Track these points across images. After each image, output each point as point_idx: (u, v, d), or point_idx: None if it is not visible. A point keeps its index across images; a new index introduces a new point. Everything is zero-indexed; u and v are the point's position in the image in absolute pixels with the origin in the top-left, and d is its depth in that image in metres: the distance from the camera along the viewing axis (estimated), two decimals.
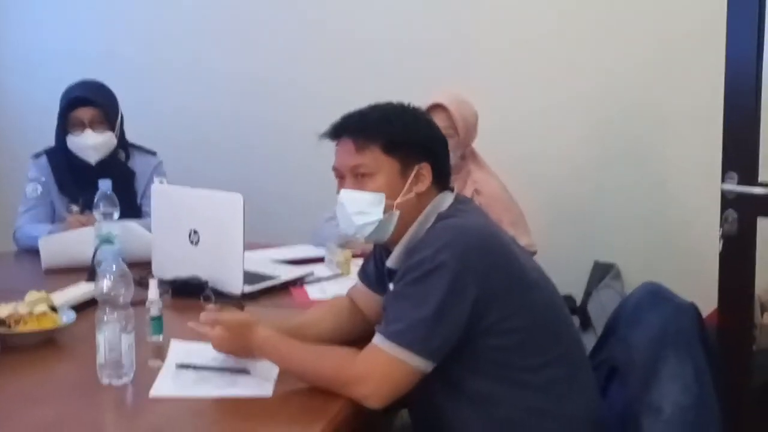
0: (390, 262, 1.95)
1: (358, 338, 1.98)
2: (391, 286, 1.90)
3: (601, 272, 3.77)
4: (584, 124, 3.75)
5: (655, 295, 2.00)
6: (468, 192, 3.10)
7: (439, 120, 2.94)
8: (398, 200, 1.90)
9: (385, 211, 1.89)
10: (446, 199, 1.95)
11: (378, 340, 1.76)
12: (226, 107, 4.29)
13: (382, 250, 2.07)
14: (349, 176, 1.92)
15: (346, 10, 4.05)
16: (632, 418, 1.87)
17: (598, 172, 3.76)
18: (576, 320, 3.64)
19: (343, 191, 1.94)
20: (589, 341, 2.19)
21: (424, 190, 1.92)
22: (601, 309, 3.53)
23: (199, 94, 4.32)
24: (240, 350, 1.86)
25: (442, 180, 1.97)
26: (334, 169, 1.97)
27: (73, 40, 4.48)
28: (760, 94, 2.41)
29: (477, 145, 3.26)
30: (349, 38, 4.04)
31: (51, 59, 4.50)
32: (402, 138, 1.91)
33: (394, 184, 1.90)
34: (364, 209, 1.90)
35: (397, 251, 1.93)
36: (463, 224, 1.83)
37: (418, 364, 1.73)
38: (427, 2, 3.93)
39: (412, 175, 1.91)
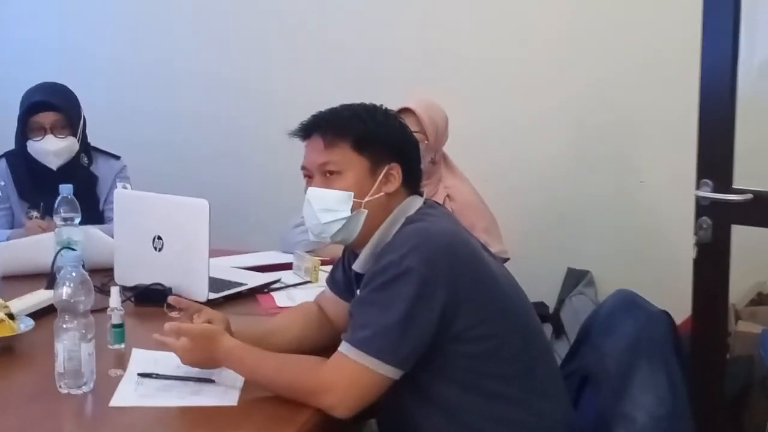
0: (357, 266, 1.95)
1: (326, 346, 1.98)
2: (358, 292, 1.89)
3: (575, 279, 3.79)
4: (559, 132, 3.77)
5: (628, 303, 2.01)
6: (440, 198, 3.11)
7: (408, 124, 2.94)
8: (366, 199, 1.90)
9: (352, 210, 1.90)
10: (415, 203, 1.95)
11: (344, 348, 1.75)
12: (192, 109, 4.28)
13: (350, 255, 2.07)
14: (318, 174, 1.93)
15: (319, 13, 4.04)
16: (605, 428, 1.87)
17: (572, 180, 3.78)
18: (549, 328, 3.66)
19: (310, 189, 1.94)
20: (563, 349, 2.21)
21: (394, 190, 1.93)
22: (575, 316, 3.55)
23: (165, 95, 4.30)
24: (205, 361, 1.86)
25: (412, 183, 1.97)
26: (303, 168, 1.97)
27: (36, 38, 4.44)
28: (735, 101, 2.42)
29: (449, 150, 3.26)
30: (322, 41, 4.03)
31: (11, 58, 4.46)
32: (373, 136, 1.91)
33: (363, 182, 1.91)
34: (330, 206, 1.90)
35: (364, 254, 1.93)
36: (431, 228, 1.83)
37: (386, 371, 1.73)
38: (405, 6, 3.93)
39: (382, 174, 1.92)
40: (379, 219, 1.92)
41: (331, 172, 1.91)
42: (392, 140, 1.94)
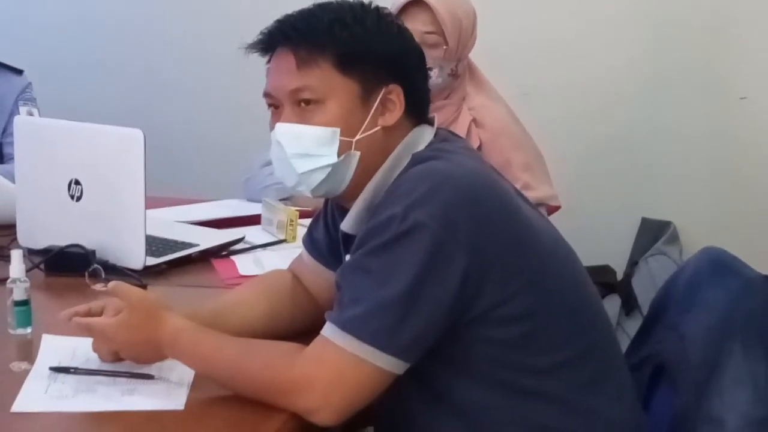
0: (346, 226, 1.97)
1: (303, 329, 2.01)
2: (347, 258, 1.91)
3: (652, 234, 3.82)
4: (629, 38, 3.80)
5: (718, 266, 2.04)
6: (463, 124, 3.11)
7: (418, 23, 2.95)
8: (358, 136, 1.91)
9: (339, 152, 1.91)
10: (423, 135, 1.96)
11: (328, 330, 1.77)
12: (125, 12, 4.29)
13: (335, 209, 2.09)
14: (289, 104, 1.93)
15: None
16: None
17: (645, 100, 3.81)
18: (616, 301, 3.71)
19: (278, 125, 1.94)
20: (635, 329, 2.24)
21: (394, 122, 1.93)
22: (652, 285, 3.58)
23: None
24: (144, 348, 1.87)
25: (417, 109, 1.98)
26: (266, 95, 1.97)
27: None
28: None
29: (478, 60, 3.26)
30: None
31: None
32: (363, 48, 1.91)
33: (352, 113, 1.91)
34: (309, 150, 1.91)
35: (355, 209, 1.94)
36: (446, 169, 1.84)
37: (385, 364, 1.75)
38: None
39: (377, 101, 1.92)
40: (375, 162, 1.93)
41: (308, 101, 1.90)
42: (390, 52, 1.94)
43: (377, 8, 1.98)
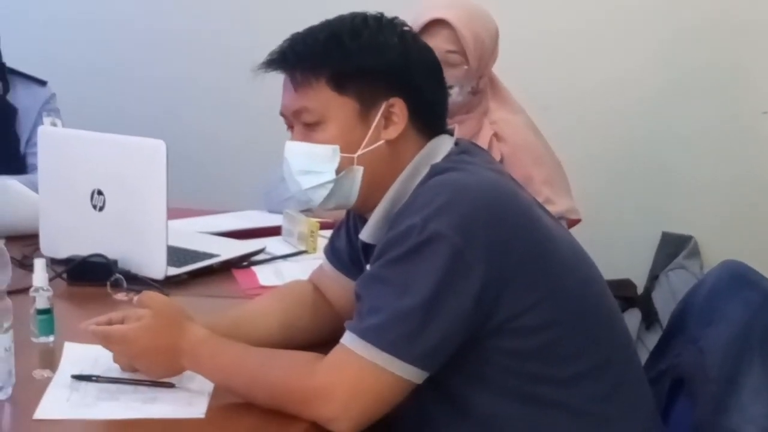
0: (365, 235, 1.99)
1: (323, 339, 2.02)
2: (368, 268, 1.93)
3: (673, 248, 3.82)
4: (647, 41, 3.79)
5: (737, 279, 2.04)
6: (485, 137, 3.10)
7: (439, 41, 2.94)
8: (360, 152, 1.93)
9: (340, 169, 1.93)
10: (442, 146, 1.97)
11: (348, 339, 1.78)
12: (145, 21, 4.31)
13: (356, 219, 2.10)
14: (296, 124, 1.97)
15: None
16: None
17: (666, 110, 3.80)
18: (636, 315, 3.71)
19: (287, 144, 1.98)
20: (655, 343, 2.24)
21: (397, 135, 1.94)
22: (672, 299, 3.58)
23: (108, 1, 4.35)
24: (161, 356, 1.88)
25: (428, 120, 1.99)
26: (282, 115, 2.00)
27: None
28: None
29: (499, 72, 3.25)
30: None
31: None
32: (355, 65, 1.92)
33: (353, 130, 1.93)
34: (312, 167, 1.95)
35: (373, 219, 1.96)
36: (465, 180, 1.85)
37: (403, 372, 1.76)
38: None
39: (379, 115, 1.94)
40: (384, 175, 1.95)
41: (308, 123, 1.94)
42: (387, 67, 1.94)
43: (380, 20, 1.99)
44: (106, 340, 1.92)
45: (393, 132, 1.94)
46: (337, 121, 1.92)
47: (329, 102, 1.92)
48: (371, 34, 1.95)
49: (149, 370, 1.90)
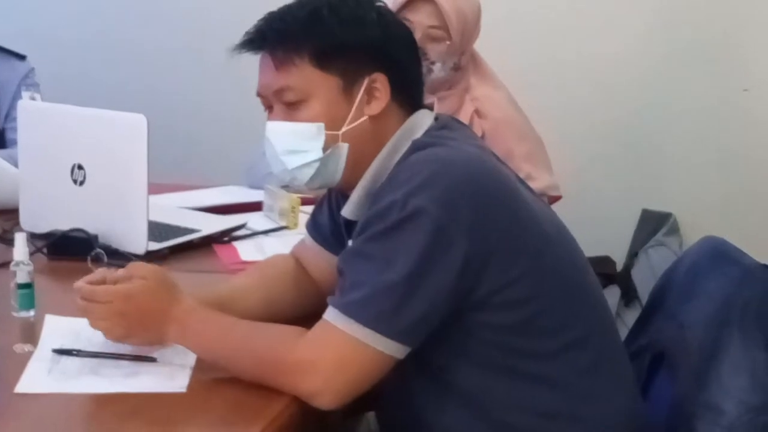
0: (347, 212, 1.99)
1: (306, 314, 2.02)
2: (350, 243, 1.93)
3: (653, 225, 3.84)
4: (630, 20, 3.80)
5: (717, 255, 2.06)
6: (466, 114, 3.11)
7: (422, 16, 2.96)
8: (344, 129, 1.94)
9: (326, 147, 1.93)
10: (422, 122, 1.98)
11: (330, 314, 1.79)
12: None
13: (338, 195, 2.11)
14: (276, 103, 1.96)
15: None
16: (683, 421, 1.92)
17: (647, 88, 3.82)
18: (616, 291, 3.72)
19: (268, 124, 1.98)
20: (634, 320, 2.25)
21: (380, 111, 1.95)
22: (652, 276, 3.60)
23: None
24: (149, 319, 1.87)
25: (408, 95, 2.00)
26: (258, 95, 2.00)
27: None
28: None
29: (480, 48, 3.26)
30: None
31: None
32: (338, 40, 1.92)
33: (337, 107, 1.93)
34: (296, 146, 1.94)
35: (355, 196, 1.97)
36: (446, 155, 1.86)
37: (385, 347, 1.76)
38: None
39: (362, 91, 1.94)
40: (367, 151, 1.95)
41: (291, 102, 1.93)
42: (369, 41, 1.95)
43: None
44: (106, 296, 1.88)
45: (376, 107, 1.94)
46: (321, 98, 1.92)
47: (313, 79, 1.92)
48: (350, 10, 1.95)
49: (136, 332, 1.88)
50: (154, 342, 1.90)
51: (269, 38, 1.94)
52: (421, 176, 1.79)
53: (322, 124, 1.93)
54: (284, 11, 1.96)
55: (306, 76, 1.92)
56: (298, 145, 1.94)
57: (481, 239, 1.78)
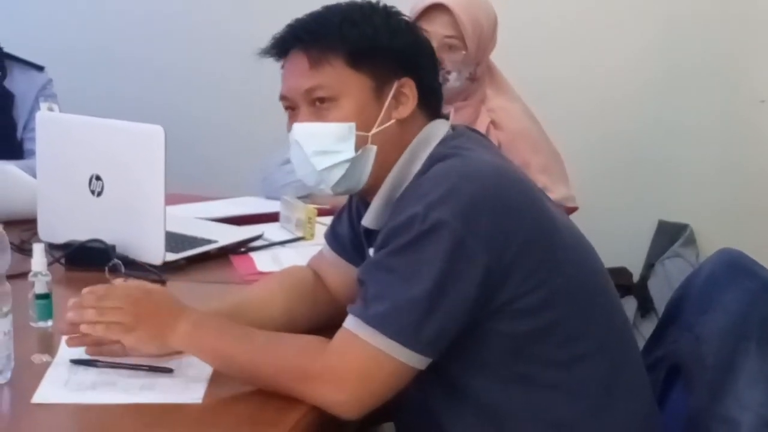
0: (367, 221, 1.99)
1: (321, 326, 2.02)
2: (370, 252, 1.94)
3: (669, 236, 3.83)
4: (644, 30, 3.79)
5: (734, 267, 2.05)
6: (482, 125, 3.10)
7: (438, 26, 2.96)
8: (374, 130, 1.94)
9: (357, 147, 1.94)
10: (438, 131, 1.99)
11: (352, 324, 1.79)
12: (144, 6, 4.31)
13: (358, 204, 2.11)
14: (304, 104, 1.96)
15: None
16: None
17: (663, 99, 3.81)
18: (632, 303, 3.71)
19: (296, 125, 1.97)
20: (651, 331, 2.24)
21: (407, 115, 1.96)
22: (668, 288, 3.59)
23: None
24: (156, 324, 1.88)
25: (430, 103, 2.01)
26: (282, 98, 2.00)
27: None
28: None
29: (497, 60, 3.26)
30: None
31: None
32: (372, 44, 1.94)
33: (367, 108, 1.94)
34: (327, 147, 1.94)
35: (375, 205, 1.97)
36: (466, 166, 1.86)
37: (408, 359, 1.77)
38: None
39: (391, 94, 1.95)
40: (391, 156, 1.96)
41: (322, 99, 1.93)
42: (399, 47, 1.97)
43: (385, 6, 2.02)
44: (125, 290, 1.92)
45: (404, 111, 1.96)
46: (353, 98, 1.93)
47: (346, 78, 1.93)
48: (382, 18, 1.98)
49: (146, 321, 1.88)
50: (159, 338, 1.88)
51: (304, 38, 1.95)
52: (441, 189, 1.80)
53: (353, 124, 1.93)
54: (315, 16, 1.99)
55: (339, 75, 1.93)
56: (329, 145, 1.94)
57: (501, 251, 1.79)
